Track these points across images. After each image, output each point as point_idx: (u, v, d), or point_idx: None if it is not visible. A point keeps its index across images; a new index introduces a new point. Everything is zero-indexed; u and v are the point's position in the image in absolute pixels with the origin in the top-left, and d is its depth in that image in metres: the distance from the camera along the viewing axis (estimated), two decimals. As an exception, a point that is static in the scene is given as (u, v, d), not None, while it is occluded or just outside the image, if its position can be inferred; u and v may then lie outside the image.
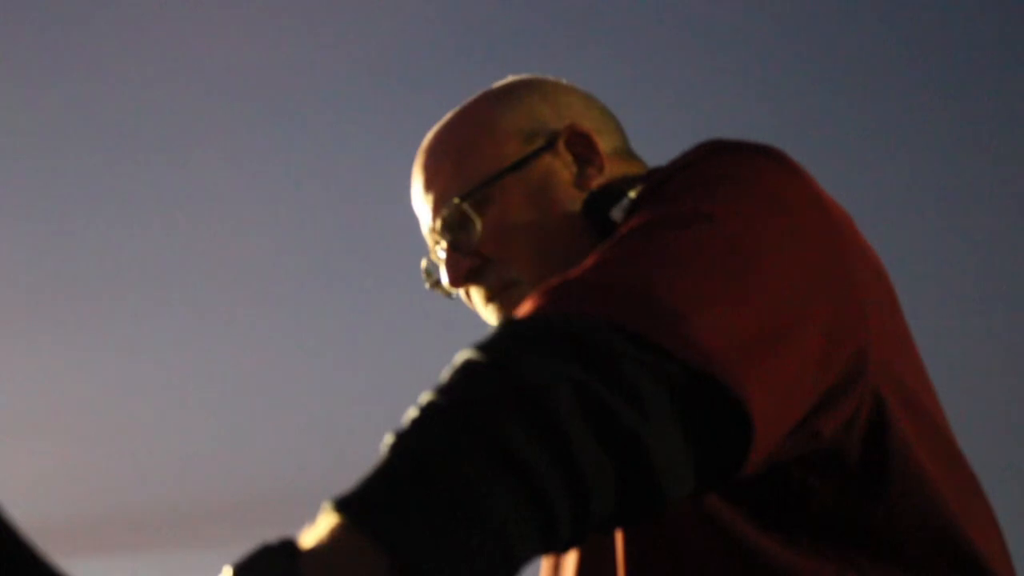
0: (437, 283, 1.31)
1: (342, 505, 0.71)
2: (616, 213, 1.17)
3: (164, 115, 4.18)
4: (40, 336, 4.53)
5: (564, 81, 1.34)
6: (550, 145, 1.25)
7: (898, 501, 0.99)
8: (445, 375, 0.80)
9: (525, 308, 0.85)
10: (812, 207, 1.00)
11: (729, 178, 0.99)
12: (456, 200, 1.23)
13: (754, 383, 0.82)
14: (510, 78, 1.33)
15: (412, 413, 0.77)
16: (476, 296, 1.26)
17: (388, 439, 0.75)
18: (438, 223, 1.25)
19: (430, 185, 1.27)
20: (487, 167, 1.24)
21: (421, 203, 1.29)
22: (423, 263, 1.31)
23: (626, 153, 1.29)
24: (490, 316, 1.26)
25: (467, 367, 0.78)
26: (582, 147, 1.25)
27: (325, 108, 4.17)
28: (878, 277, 1.06)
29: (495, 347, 0.79)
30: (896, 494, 0.99)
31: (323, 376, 4.58)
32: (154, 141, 4.29)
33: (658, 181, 1.04)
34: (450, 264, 1.25)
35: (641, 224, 0.93)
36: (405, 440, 0.74)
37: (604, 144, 1.26)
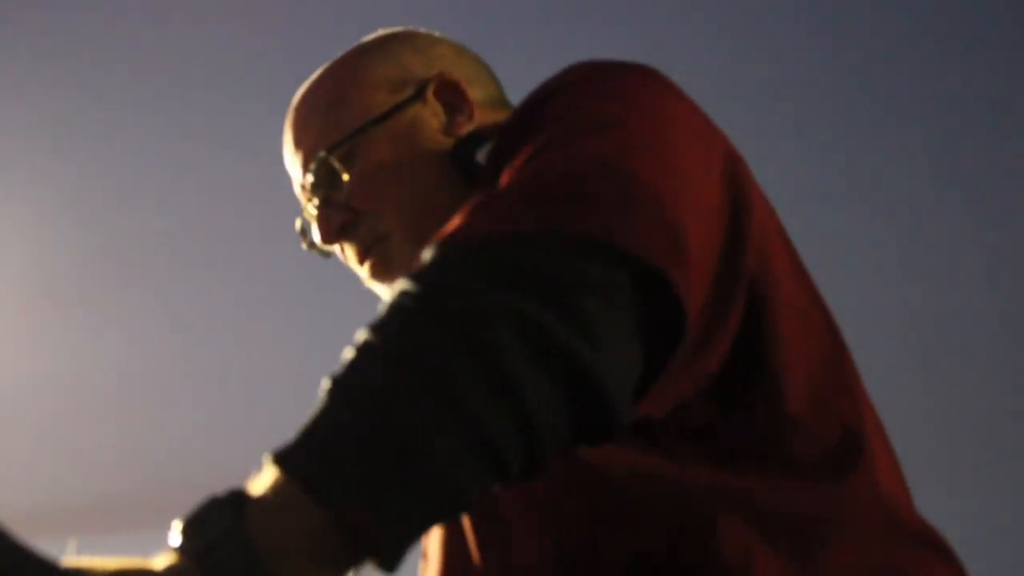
0: (313, 243, 1.28)
1: (279, 457, 0.70)
2: (480, 156, 1.14)
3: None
4: (78, 314, 4.53)
5: (438, 34, 1.32)
6: (418, 94, 1.22)
7: (764, 404, 0.95)
8: (382, 307, 0.77)
9: (457, 225, 0.81)
10: (696, 112, 1.00)
11: (622, 88, 0.97)
12: (322, 154, 1.20)
13: (686, 278, 0.81)
14: (381, 31, 1.31)
15: (348, 353, 0.74)
16: (350, 253, 1.23)
17: (324, 383, 0.72)
18: (307, 179, 1.22)
19: (299, 141, 1.25)
20: (354, 119, 1.21)
21: (291, 160, 1.26)
22: (297, 223, 1.28)
23: (500, 103, 1.27)
24: (364, 273, 1.23)
25: (401, 301, 0.76)
26: (451, 96, 1.23)
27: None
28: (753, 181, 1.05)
29: (430, 277, 0.77)
30: (762, 396, 0.95)
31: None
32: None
33: (536, 102, 0.99)
34: (321, 220, 1.22)
35: (552, 137, 0.90)
36: (340, 385, 0.72)
37: (476, 93, 1.24)
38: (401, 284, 0.77)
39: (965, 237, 4.04)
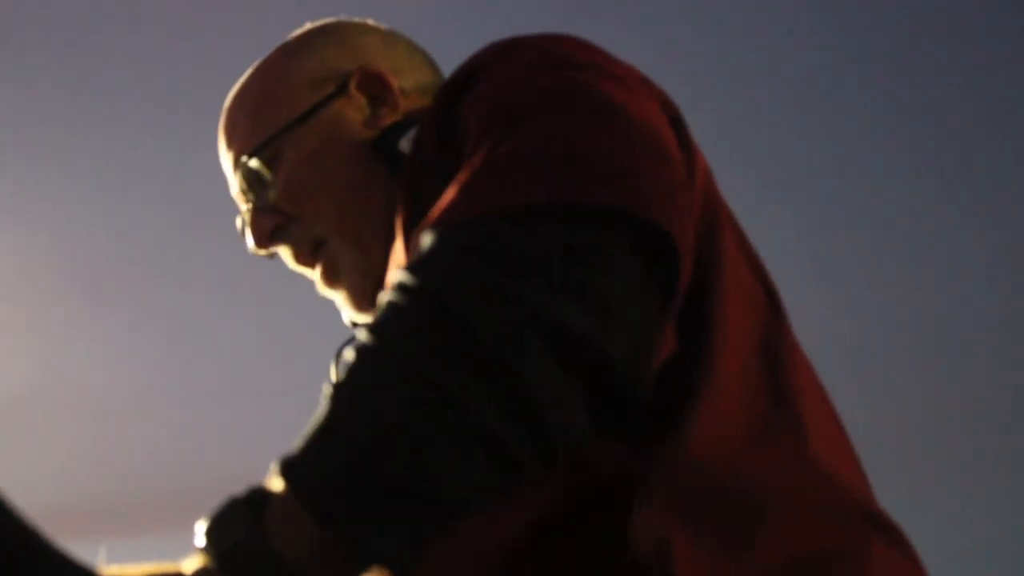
0: None
1: (284, 469, 0.70)
2: (404, 144, 1.11)
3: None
4: (77, 319, 4.52)
5: (370, 22, 1.28)
6: (340, 89, 1.19)
7: (694, 377, 0.88)
8: (382, 304, 0.75)
9: (451, 203, 0.79)
10: (633, 71, 0.97)
11: (567, 57, 0.94)
12: (245, 159, 1.18)
13: (684, 240, 0.81)
14: (309, 25, 1.28)
15: (350, 357, 0.73)
16: (285, 256, 1.21)
17: (326, 390, 0.73)
18: (238, 184, 1.20)
19: (229, 145, 1.23)
20: (277, 121, 1.18)
21: (225, 165, 1.24)
22: (238, 224, 1.25)
23: (433, 87, 1.22)
24: (320, 286, 1.20)
25: (401, 300, 0.74)
26: (375, 87, 1.19)
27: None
28: None
29: (429, 272, 0.74)
30: (694, 368, 0.88)
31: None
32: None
33: (468, 78, 0.94)
34: (253, 225, 1.20)
35: (517, 109, 0.86)
36: (342, 394, 0.71)
37: (404, 82, 1.21)
38: (400, 278, 0.75)
39: (965, 235, 4.04)
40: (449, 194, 0.80)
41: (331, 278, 1.18)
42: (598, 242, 0.76)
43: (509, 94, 0.89)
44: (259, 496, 0.71)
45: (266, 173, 1.17)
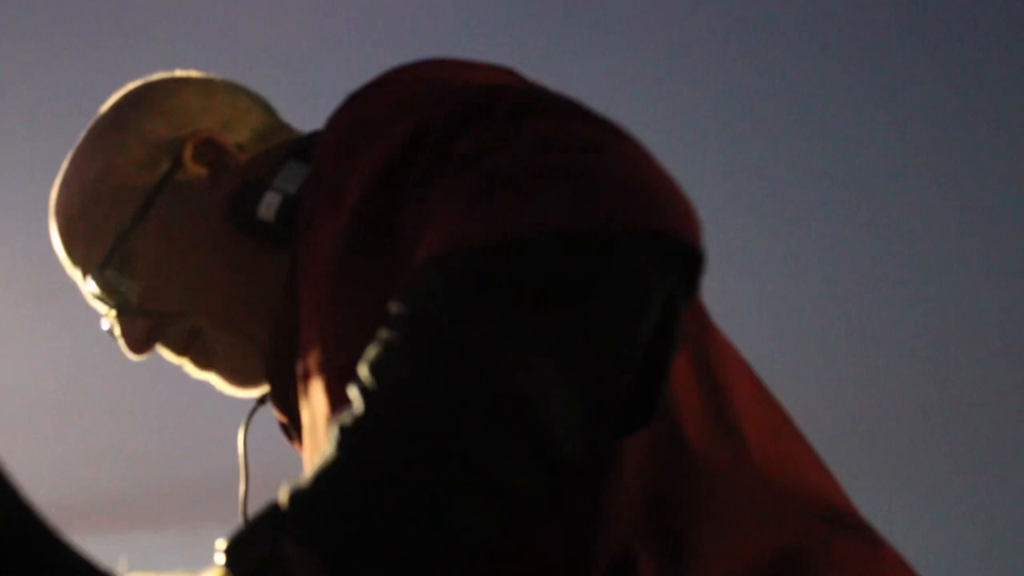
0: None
1: (291, 505, 0.70)
2: (264, 211, 1.01)
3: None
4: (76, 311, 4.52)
5: (180, 73, 1.17)
6: (175, 167, 1.09)
7: None
8: (381, 341, 0.72)
9: (448, 234, 0.73)
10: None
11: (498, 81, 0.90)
12: (96, 272, 1.10)
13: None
14: (115, 96, 1.16)
15: (356, 401, 0.71)
16: (165, 353, 1.12)
17: (334, 432, 0.71)
18: (93, 292, 1.12)
19: (71, 256, 1.13)
20: (116, 220, 1.09)
21: (72, 271, 1.15)
22: (104, 326, 1.16)
23: (271, 130, 1.13)
24: (192, 370, 1.13)
25: (401, 344, 0.71)
26: (211, 153, 1.09)
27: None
28: None
29: (433, 312, 0.71)
30: None
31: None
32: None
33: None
34: (125, 333, 1.11)
35: (494, 134, 0.78)
36: (348, 442, 0.70)
37: (238, 135, 1.11)
38: (397, 311, 0.72)
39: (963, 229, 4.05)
40: (448, 218, 0.75)
41: (205, 364, 1.11)
42: (619, 263, 0.73)
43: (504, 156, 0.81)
44: (277, 519, 0.71)
45: (123, 280, 1.09)
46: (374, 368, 0.71)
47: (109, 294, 1.10)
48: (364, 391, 0.71)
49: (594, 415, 0.71)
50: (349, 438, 0.70)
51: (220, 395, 1.14)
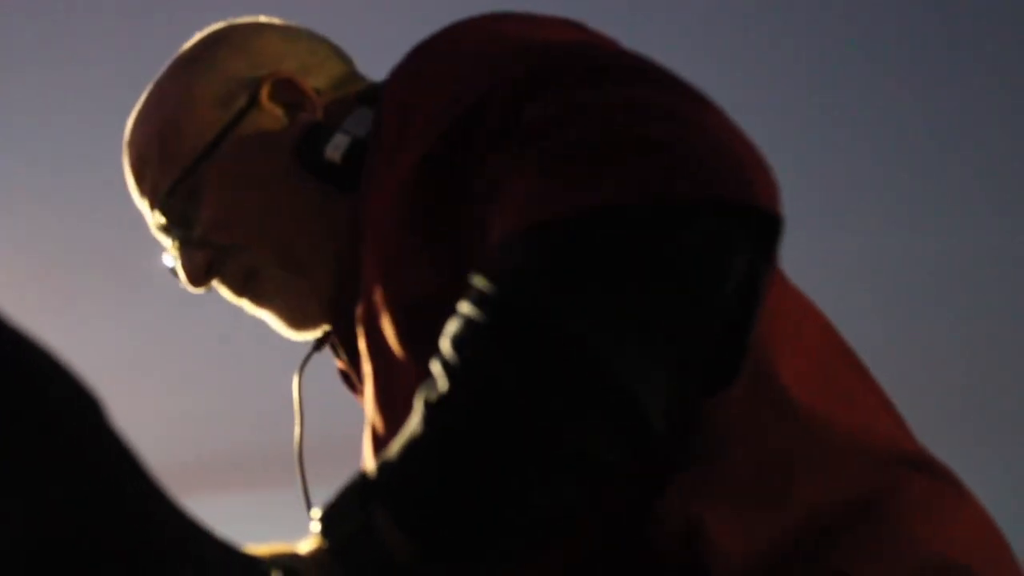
0: None
1: (381, 477, 0.74)
2: (331, 151, 1.03)
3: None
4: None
5: (263, 19, 1.18)
6: (251, 104, 1.10)
7: None
8: (464, 317, 0.73)
9: (533, 205, 0.74)
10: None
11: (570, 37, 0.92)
12: (164, 197, 1.10)
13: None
14: (199, 34, 1.17)
15: (439, 376, 0.73)
16: (223, 290, 1.13)
17: (418, 406, 0.73)
18: (158, 221, 1.13)
19: (140, 182, 1.14)
20: (190, 150, 1.09)
21: (139, 201, 1.15)
22: (167, 261, 1.16)
23: (347, 80, 1.14)
24: (250, 307, 1.13)
25: (487, 321, 0.72)
26: (289, 94, 1.10)
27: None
28: None
29: (518, 290, 0.72)
30: None
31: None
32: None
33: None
34: (185, 264, 1.11)
35: (570, 91, 0.79)
36: (433, 418, 0.72)
37: (316, 81, 1.11)
38: (484, 288, 0.73)
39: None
40: (529, 188, 0.75)
41: (262, 302, 1.12)
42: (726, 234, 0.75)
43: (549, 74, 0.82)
44: (368, 488, 0.75)
45: (190, 208, 1.10)
46: (457, 345, 0.72)
47: (173, 224, 1.11)
48: (448, 367, 0.72)
49: (683, 392, 0.74)
50: (438, 415, 0.72)
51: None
